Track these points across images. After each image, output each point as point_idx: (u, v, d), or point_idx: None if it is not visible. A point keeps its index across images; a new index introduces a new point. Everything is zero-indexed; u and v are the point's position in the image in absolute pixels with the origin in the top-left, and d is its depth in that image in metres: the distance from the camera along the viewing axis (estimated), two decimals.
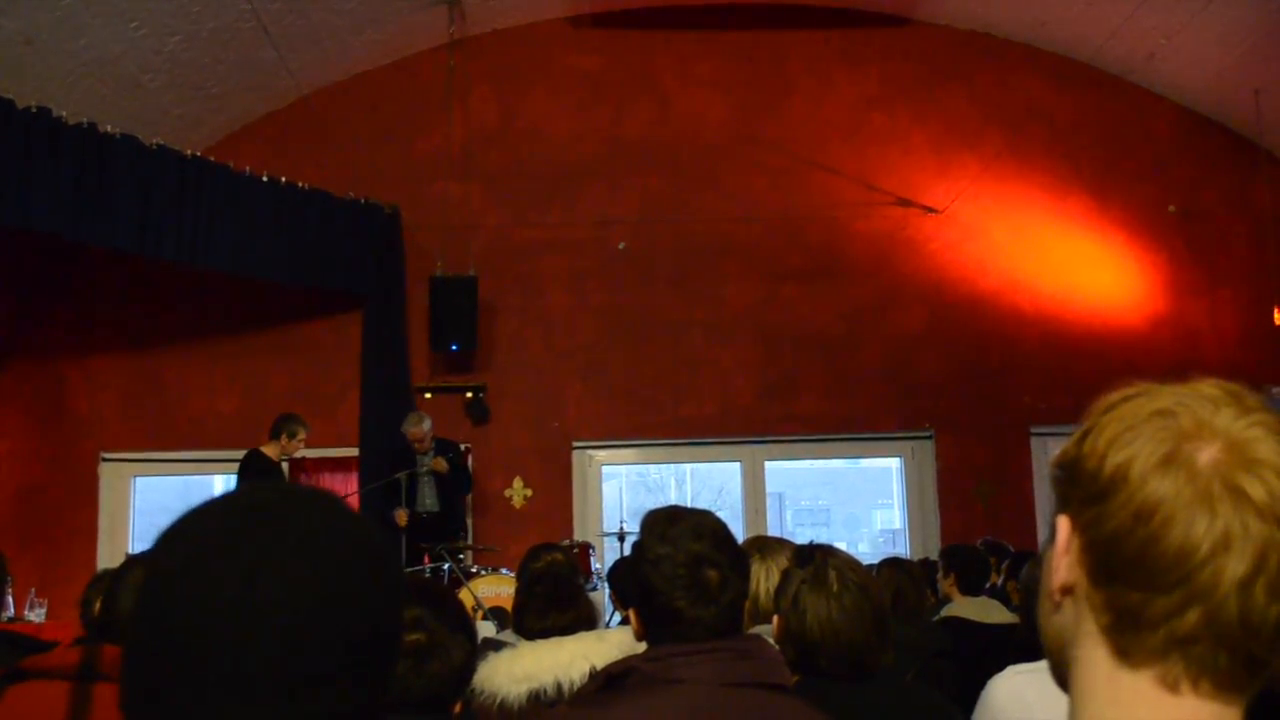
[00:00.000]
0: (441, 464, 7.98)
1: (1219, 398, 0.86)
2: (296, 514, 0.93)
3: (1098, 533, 0.84)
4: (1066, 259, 9.36)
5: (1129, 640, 0.84)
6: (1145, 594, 0.82)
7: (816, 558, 2.35)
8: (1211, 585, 0.80)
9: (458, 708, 1.98)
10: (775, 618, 2.38)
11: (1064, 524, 0.88)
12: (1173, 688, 0.83)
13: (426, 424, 8.06)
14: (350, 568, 0.91)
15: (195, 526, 0.92)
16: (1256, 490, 0.81)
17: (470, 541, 8.67)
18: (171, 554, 0.90)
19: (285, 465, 7.96)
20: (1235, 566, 0.80)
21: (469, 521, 9.04)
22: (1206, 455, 0.82)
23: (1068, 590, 0.88)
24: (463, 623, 1.97)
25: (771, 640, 2.18)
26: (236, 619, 0.85)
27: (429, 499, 8.11)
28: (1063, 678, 0.91)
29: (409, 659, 1.85)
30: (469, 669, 2.00)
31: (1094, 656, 0.86)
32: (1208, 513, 0.80)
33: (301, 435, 7.72)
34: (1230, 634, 0.81)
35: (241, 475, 7.59)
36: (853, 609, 2.26)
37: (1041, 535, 5.94)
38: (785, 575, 2.40)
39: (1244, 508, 0.80)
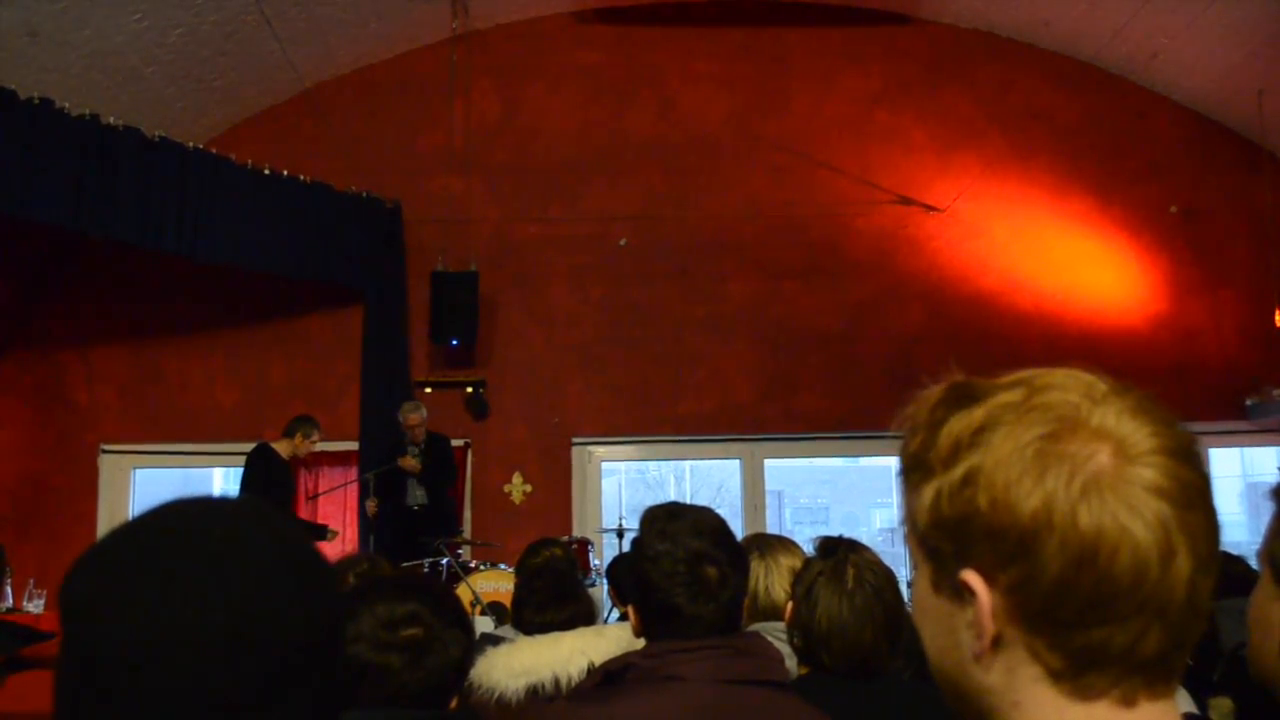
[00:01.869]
0: (410, 463, 7.97)
1: (1075, 399, 0.83)
2: (212, 533, 0.89)
3: (1035, 586, 0.79)
4: (1068, 258, 9.35)
5: (1090, 679, 0.81)
6: (1107, 629, 0.79)
7: (839, 551, 2.34)
8: (1168, 595, 0.79)
9: (454, 702, 1.98)
10: (789, 602, 2.37)
11: (977, 583, 0.82)
12: (1130, 703, 0.82)
13: (423, 412, 8.07)
14: (269, 583, 0.87)
15: (107, 554, 0.88)
16: (1161, 480, 0.79)
17: (468, 536, 8.68)
18: (82, 585, 0.87)
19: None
20: (1183, 565, 0.79)
21: (467, 514, 9.04)
22: (1110, 466, 0.79)
23: (996, 644, 0.83)
24: (459, 617, 1.97)
25: (770, 638, 2.18)
26: (146, 648, 0.82)
27: (418, 493, 8.12)
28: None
29: (406, 654, 1.85)
30: (466, 663, 2.01)
31: (1038, 698, 0.82)
32: (1143, 524, 0.78)
33: (315, 437, 7.89)
34: (1186, 630, 0.81)
35: (249, 467, 7.64)
36: (863, 609, 2.24)
37: None
38: (806, 563, 2.40)
39: (1164, 502, 0.79)
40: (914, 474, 0.87)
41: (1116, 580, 0.78)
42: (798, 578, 2.38)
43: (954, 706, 0.91)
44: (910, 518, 0.88)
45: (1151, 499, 0.79)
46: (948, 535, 0.84)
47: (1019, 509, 0.80)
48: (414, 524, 7.88)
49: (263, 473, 7.55)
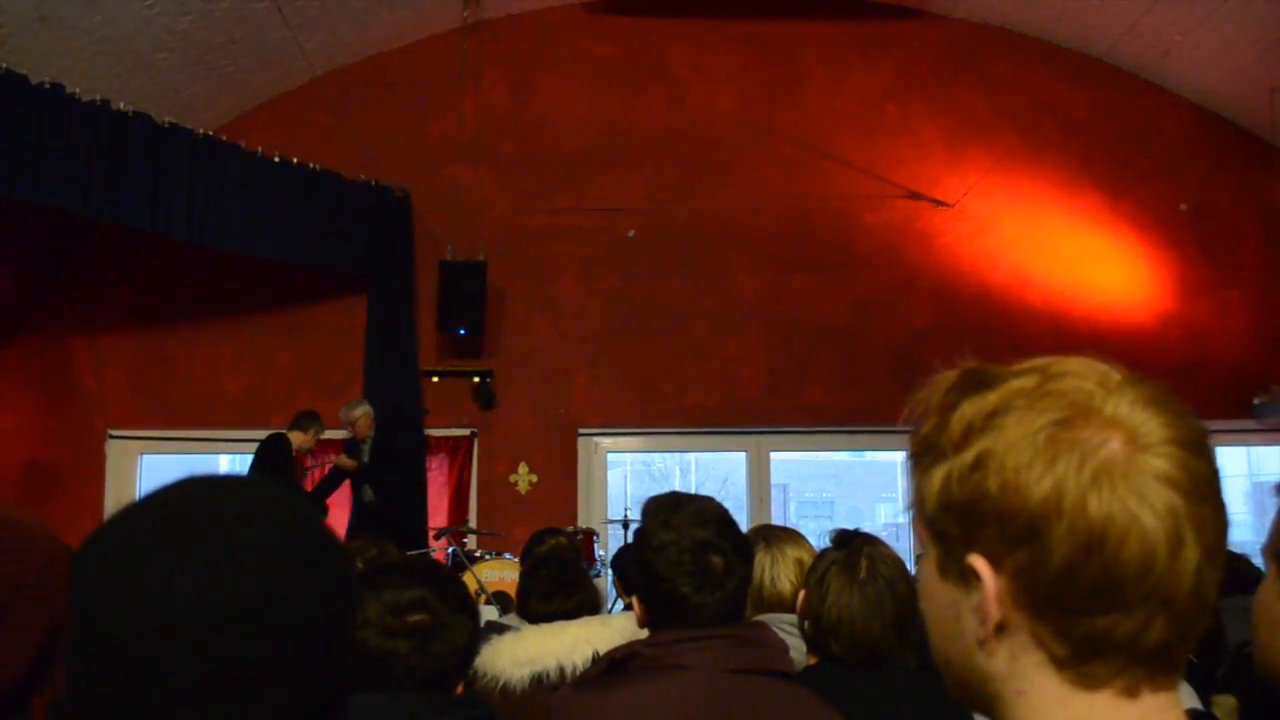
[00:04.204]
0: (345, 461, 7.93)
1: (1089, 387, 0.83)
2: (223, 510, 0.89)
3: (1042, 571, 0.80)
4: (1077, 255, 9.34)
5: (1093, 667, 0.81)
6: (1112, 616, 0.79)
7: (855, 543, 2.35)
8: (1175, 585, 0.79)
9: (459, 689, 1.99)
10: (802, 591, 2.38)
11: (984, 567, 0.82)
12: (1133, 694, 0.81)
13: (357, 411, 8.00)
14: (282, 562, 0.88)
15: (118, 528, 0.89)
16: (1172, 470, 0.79)
17: (473, 525, 8.69)
18: (93, 558, 0.87)
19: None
20: (1190, 556, 0.79)
21: (472, 504, 9.04)
22: (1121, 454, 0.79)
23: (1001, 630, 0.83)
24: (465, 603, 1.98)
25: (775, 629, 2.18)
26: (157, 622, 0.83)
27: (368, 491, 8.05)
28: (983, 708, 0.87)
29: (413, 639, 1.86)
30: (472, 650, 2.01)
31: (1042, 686, 0.82)
32: (1153, 513, 0.78)
33: (321, 433, 7.96)
34: (1191, 623, 0.80)
35: (260, 455, 7.66)
36: (874, 600, 2.24)
37: None
38: (821, 553, 2.41)
39: (1174, 493, 0.79)
40: (925, 457, 0.87)
41: (1123, 568, 0.78)
42: (812, 567, 2.39)
43: (957, 694, 0.91)
44: (919, 501, 0.88)
45: (1162, 489, 0.79)
46: (956, 518, 0.84)
47: (1028, 493, 0.80)
48: (364, 520, 7.86)
49: (276, 461, 7.58)
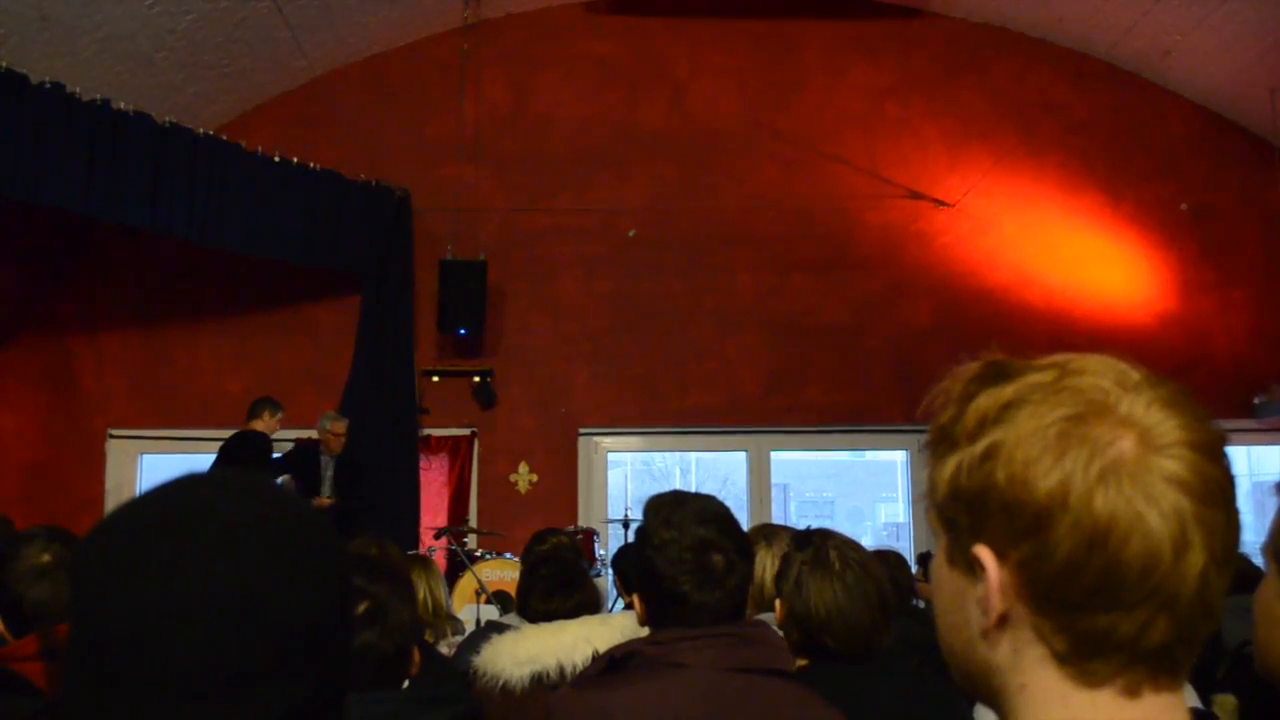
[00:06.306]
0: (321, 501, 7.73)
1: (1106, 385, 0.83)
2: (222, 507, 0.89)
3: (1045, 565, 0.80)
4: (1077, 255, 9.33)
5: (1094, 665, 0.81)
6: (1113, 615, 0.79)
7: (815, 540, 2.36)
8: (1178, 587, 0.79)
9: (415, 667, 1.99)
10: (778, 602, 2.38)
11: (988, 558, 0.83)
12: (1134, 694, 0.81)
13: (341, 425, 7.94)
14: (281, 560, 0.87)
15: (118, 525, 0.89)
16: (1183, 472, 0.79)
17: (474, 525, 8.69)
18: (92, 555, 0.87)
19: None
20: (1196, 560, 0.79)
21: (473, 504, 9.04)
22: (1132, 454, 0.79)
23: (1003, 622, 0.84)
24: (390, 573, 1.99)
25: (774, 627, 2.18)
26: (155, 620, 0.82)
27: (325, 490, 7.91)
28: (987, 700, 0.88)
29: (375, 627, 1.87)
30: (417, 620, 2.04)
31: (1043, 681, 0.83)
32: (1159, 514, 0.78)
33: (279, 418, 7.85)
34: (1194, 626, 0.80)
35: (233, 455, 7.61)
36: (856, 587, 2.27)
37: None
38: (785, 559, 2.41)
39: (1183, 495, 0.79)
40: (940, 446, 0.88)
41: (1126, 566, 0.78)
42: (780, 574, 2.39)
43: (962, 685, 0.91)
44: (931, 489, 0.89)
45: (1170, 490, 0.79)
46: (964, 507, 0.84)
47: (1035, 486, 0.80)
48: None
49: (259, 461, 7.52)
